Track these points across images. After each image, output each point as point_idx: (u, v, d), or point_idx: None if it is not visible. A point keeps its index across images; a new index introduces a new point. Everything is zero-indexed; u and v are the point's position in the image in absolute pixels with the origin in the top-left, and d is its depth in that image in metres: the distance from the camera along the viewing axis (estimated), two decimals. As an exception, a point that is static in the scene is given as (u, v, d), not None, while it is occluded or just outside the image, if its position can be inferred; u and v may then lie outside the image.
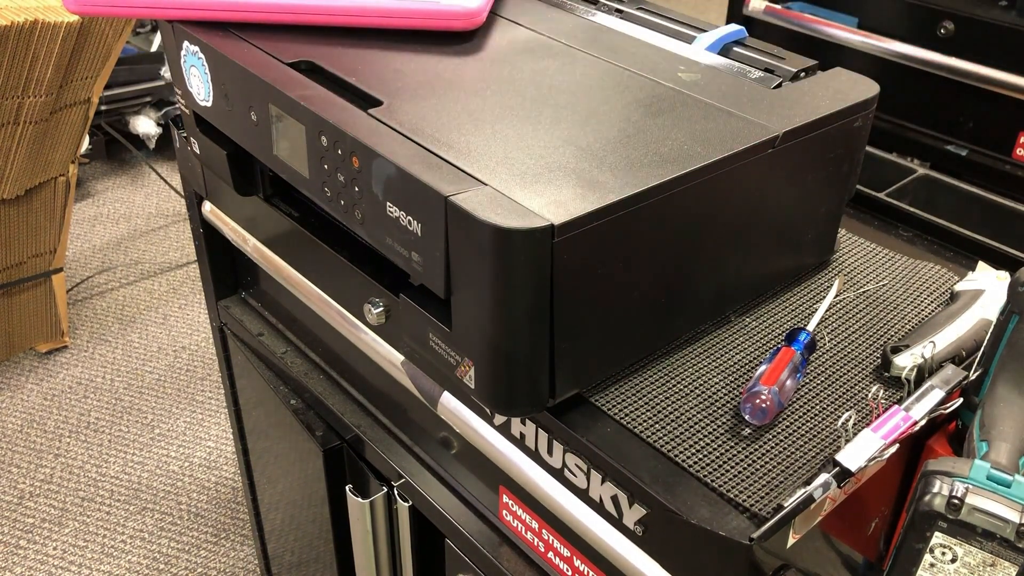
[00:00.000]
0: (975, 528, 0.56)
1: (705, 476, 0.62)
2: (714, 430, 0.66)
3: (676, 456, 0.63)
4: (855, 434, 0.62)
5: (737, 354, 0.73)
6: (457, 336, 0.64)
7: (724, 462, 0.63)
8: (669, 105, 0.72)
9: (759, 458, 0.63)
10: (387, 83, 0.73)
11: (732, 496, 0.60)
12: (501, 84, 0.74)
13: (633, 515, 0.64)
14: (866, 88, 0.77)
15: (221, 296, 1.17)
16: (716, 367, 0.72)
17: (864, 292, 0.81)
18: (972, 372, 0.67)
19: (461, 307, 0.62)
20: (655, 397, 0.68)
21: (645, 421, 0.66)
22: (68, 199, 2.15)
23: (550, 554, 0.77)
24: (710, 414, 0.67)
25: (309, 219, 0.86)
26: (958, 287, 0.81)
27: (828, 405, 0.69)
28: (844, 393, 0.70)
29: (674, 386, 0.69)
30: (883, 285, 0.83)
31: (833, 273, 0.84)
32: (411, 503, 0.95)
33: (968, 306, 0.76)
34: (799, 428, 0.66)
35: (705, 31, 0.86)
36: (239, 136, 0.82)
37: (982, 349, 0.68)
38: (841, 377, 0.72)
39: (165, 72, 2.87)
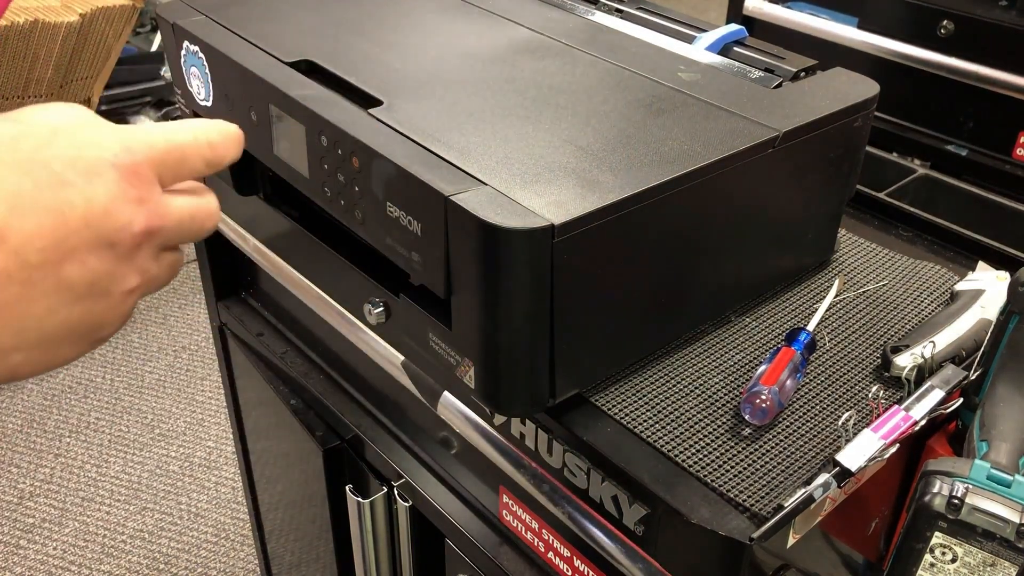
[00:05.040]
0: (975, 528, 0.56)
1: (705, 476, 0.62)
2: (714, 430, 0.66)
3: (676, 456, 0.63)
4: (855, 434, 0.62)
5: (737, 354, 0.73)
6: (457, 336, 0.64)
7: (724, 462, 0.63)
8: (669, 105, 0.72)
9: (759, 458, 0.64)
10: (387, 83, 0.73)
11: (732, 496, 0.60)
12: (501, 84, 0.74)
13: (633, 515, 0.64)
14: (866, 88, 0.77)
15: (221, 296, 1.17)
16: (716, 367, 0.72)
17: (864, 292, 0.81)
18: (972, 372, 0.67)
19: (461, 307, 0.62)
20: (655, 397, 0.68)
21: (645, 421, 0.66)
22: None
23: (550, 554, 0.77)
24: (710, 414, 0.67)
25: (309, 219, 0.86)
26: (958, 287, 0.81)
27: (828, 405, 0.69)
28: (844, 393, 0.70)
29: (674, 386, 0.69)
30: (883, 285, 0.83)
31: (833, 273, 0.84)
32: (411, 503, 0.95)
33: (968, 306, 0.76)
34: (799, 428, 0.66)
35: (705, 31, 0.86)
36: (239, 136, 0.81)
37: (982, 349, 0.68)
38: (841, 377, 0.72)
39: (165, 72, 2.87)
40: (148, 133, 0.44)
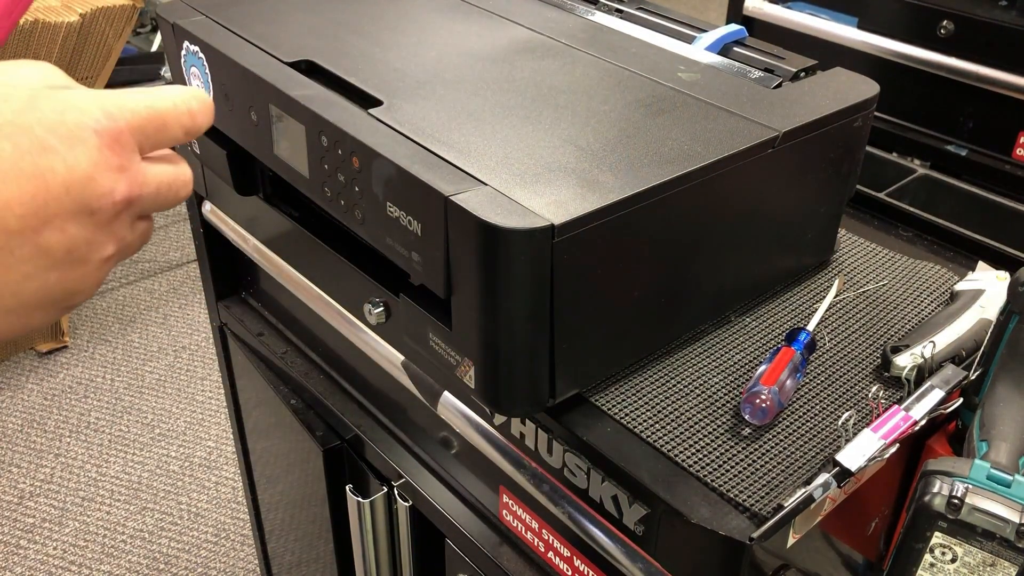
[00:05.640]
0: (975, 528, 0.56)
1: (705, 476, 0.62)
2: (714, 430, 0.66)
3: (676, 456, 0.63)
4: (855, 434, 0.62)
5: (737, 354, 0.73)
6: (457, 336, 0.64)
7: (724, 462, 0.63)
8: (669, 105, 0.72)
9: (759, 458, 0.64)
10: (387, 83, 0.73)
11: (732, 496, 0.60)
12: (501, 84, 0.74)
13: (633, 515, 0.64)
14: (866, 88, 0.77)
15: (221, 296, 1.17)
16: (716, 367, 0.72)
17: (864, 292, 0.81)
18: (972, 372, 0.67)
19: (461, 307, 0.62)
20: (655, 397, 0.68)
21: (645, 421, 0.66)
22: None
23: (550, 554, 0.77)
24: (710, 414, 0.67)
25: (309, 219, 0.86)
26: (958, 287, 0.81)
27: (828, 405, 0.69)
28: (844, 393, 0.70)
29: (674, 386, 0.69)
30: (883, 285, 0.83)
31: (833, 273, 0.84)
32: (411, 503, 0.95)
33: (968, 306, 0.76)
34: (799, 428, 0.66)
35: (705, 31, 0.86)
36: (239, 136, 0.82)
37: (982, 349, 0.68)
38: (841, 377, 0.72)
39: (165, 72, 2.87)
40: (129, 99, 0.44)
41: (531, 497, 0.74)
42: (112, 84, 2.75)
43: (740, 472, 0.62)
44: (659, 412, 0.67)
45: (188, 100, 0.46)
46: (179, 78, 0.87)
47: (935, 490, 0.57)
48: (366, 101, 0.71)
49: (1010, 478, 0.56)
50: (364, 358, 0.91)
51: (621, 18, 0.91)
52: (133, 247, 0.46)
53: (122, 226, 0.44)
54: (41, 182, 0.39)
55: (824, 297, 0.79)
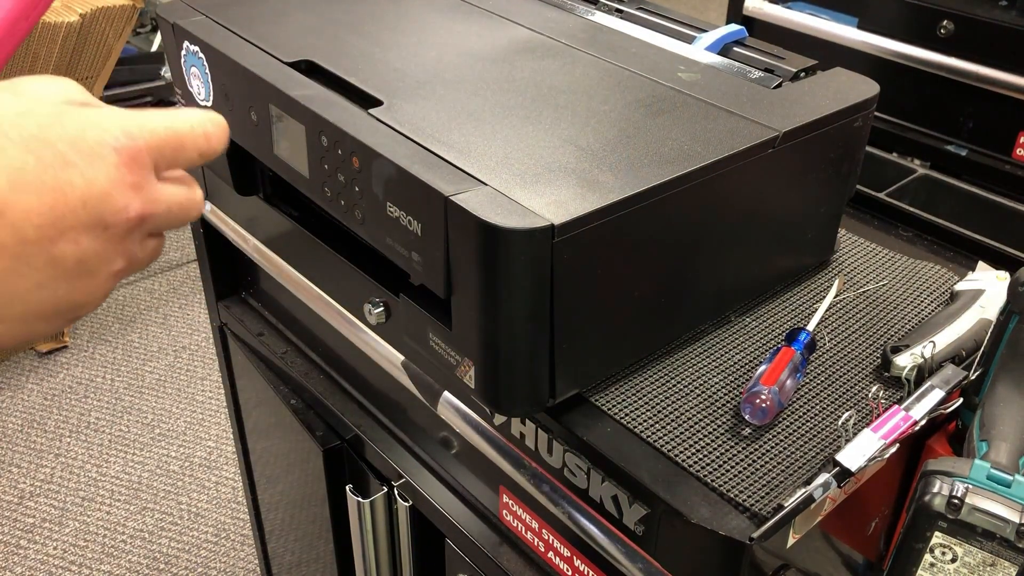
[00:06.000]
0: (975, 528, 0.56)
1: (705, 476, 0.62)
2: (714, 430, 0.66)
3: (676, 456, 0.63)
4: (855, 434, 0.62)
5: (737, 354, 0.73)
6: (457, 336, 0.64)
7: (724, 462, 0.63)
8: (669, 105, 0.72)
9: (759, 458, 0.64)
10: (387, 83, 0.73)
11: (732, 496, 0.60)
12: (501, 84, 0.74)
13: (633, 515, 0.64)
14: (866, 88, 0.77)
15: (221, 296, 1.17)
16: (716, 367, 0.72)
17: (864, 292, 0.81)
18: (972, 372, 0.67)
19: (461, 307, 0.62)
20: (655, 397, 0.68)
21: (645, 421, 0.66)
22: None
23: (550, 554, 0.77)
24: (710, 414, 0.67)
25: (309, 219, 0.86)
26: (958, 287, 0.81)
27: (828, 405, 0.69)
28: (844, 393, 0.70)
29: (674, 386, 0.69)
30: (883, 285, 0.83)
31: (833, 273, 0.84)
32: (411, 503, 0.95)
33: (968, 306, 0.76)
34: (799, 428, 0.66)
35: (705, 31, 0.86)
36: (239, 136, 0.82)
37: (982, 349, 0.68)
38: (841, 377, 0.72)
39: (165, 72, 2.87)
40: (149, 119, 0.45)
41: (531, 497, 0.74)
42: (112, 84, 2.75)
43: (740, 472, 0.62)
44: (659, 412, 0.67)
45: (205, 123, 0.49)
46: (179, 78, 0.87)
47: (935, 490, 0.57)
48: (366, 101, 0.71)
49: (1010, 478, 0.56)
50: (364, 358, 0.91)
51: (621, 18, 0.91)
52: (141, 263, 0.47)
53: (133, 242, 0.45)
54: (60, 195, 0.41)
55: (824, 297, 0.79)
